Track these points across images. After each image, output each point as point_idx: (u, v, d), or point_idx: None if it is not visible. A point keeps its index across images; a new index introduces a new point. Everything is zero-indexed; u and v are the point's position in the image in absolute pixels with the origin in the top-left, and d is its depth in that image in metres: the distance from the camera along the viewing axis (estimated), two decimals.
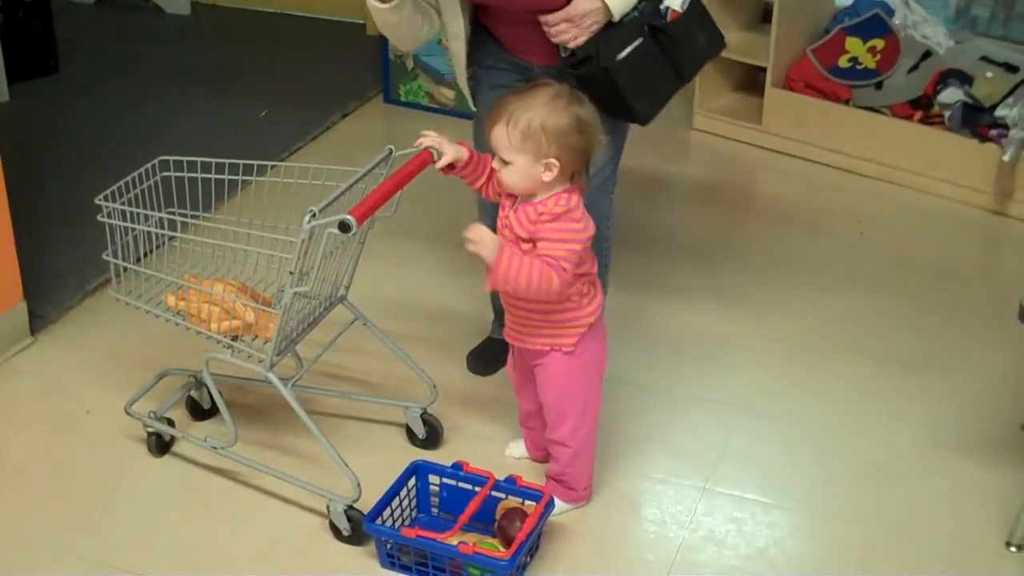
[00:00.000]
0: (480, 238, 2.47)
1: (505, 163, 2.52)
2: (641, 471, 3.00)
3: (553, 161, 2.48)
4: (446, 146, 2.63)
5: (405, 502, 2.76)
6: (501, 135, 2.50)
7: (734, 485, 2.96)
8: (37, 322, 3.47)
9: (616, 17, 2.69)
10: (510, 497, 2.72)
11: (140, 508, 2.87)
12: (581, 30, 2.68)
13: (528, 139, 2.47)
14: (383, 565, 2.68)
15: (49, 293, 3.57)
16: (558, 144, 2.47)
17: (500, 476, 2.75)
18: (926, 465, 3.04)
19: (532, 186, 2.52)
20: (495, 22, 2.85)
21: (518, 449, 3.00)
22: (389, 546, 2.65)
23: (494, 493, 2.71)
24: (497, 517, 2.70)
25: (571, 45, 2.71)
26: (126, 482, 2.94)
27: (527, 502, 2.69)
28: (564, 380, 2.71)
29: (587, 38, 2.69)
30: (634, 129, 4.65)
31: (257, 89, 4.97)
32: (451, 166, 2.64)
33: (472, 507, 2.62)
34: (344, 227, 2.46)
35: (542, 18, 2.70)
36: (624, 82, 2.71)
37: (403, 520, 2.75)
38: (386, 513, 2.69)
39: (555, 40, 2.72)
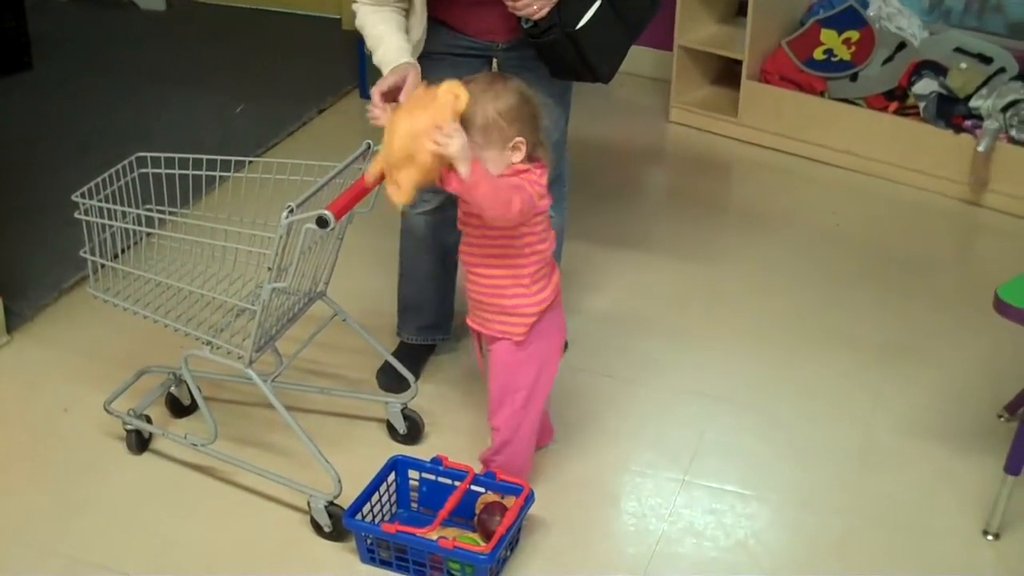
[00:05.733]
0: (454, 134, 2.38)
1: None
2: (620, 464, 3.02)
3: (519, 140, 2.52)
4: None
5: (385, 497, 2.76)
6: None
7: (712, 476, 2.97)
8: (13, 320, 3.45)
9: None
10: (489, 491, 2.72)
11: (119, 506, 2.86)
12: (545, 1, 2.75)
13: (490, 131, 2.50)
14: (363, 560, 2.68)
15: (25, 290, 3.56)
16: (518, 122, 2.52)
17: (479, 471, 2.76)
18: (903, 453, 3.06)
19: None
20: (451, 8, 2.88)
21: None
22: (369, 541, 2.66)
23: (473, 488, 2.71)
24: (477, 511, 2.70)
25: (536, 17, 2.76)
26: (105, 480, 2.94)
27: (507, 496, 2.70)
28: (509, 368, 2.72)
29: (550, 9, 2.75)
30: (610, 122, 4.71)
31: (233, 85, 4.96)
32: None
33: (452, 502, 2.62)
34: (322, 222, 2.46)
35: None
36: (589, 45, 2.81)
37: (383, 515, 2.75)
38: (366, 508, 2.69)
39: (520, 13, 2.77)
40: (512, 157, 2.53)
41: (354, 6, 2.83)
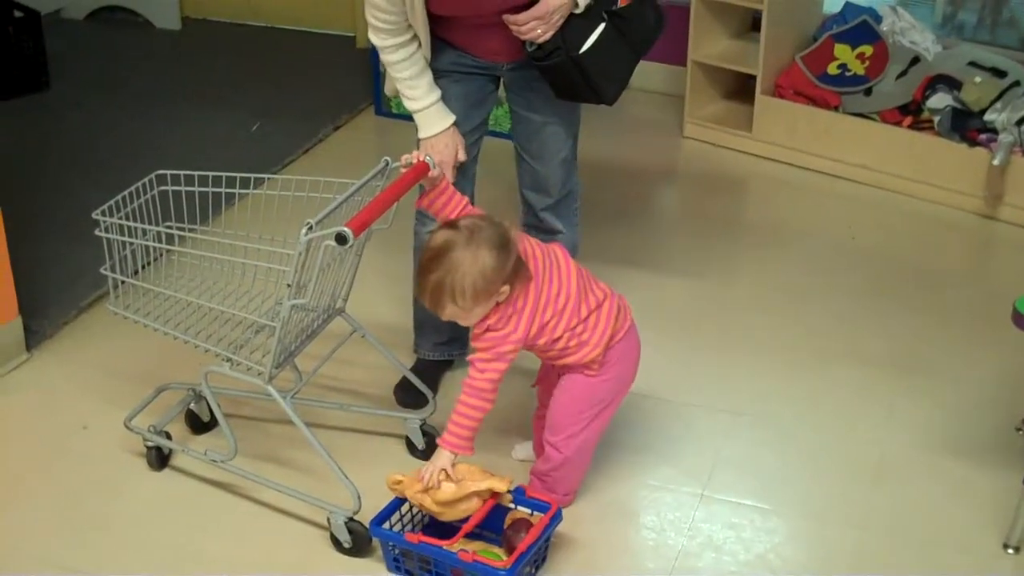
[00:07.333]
0: (433, 469, 2.61)
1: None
2: (639, 479, 3.02)
3: (504, 289, 2.55)
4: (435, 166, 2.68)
5: (416, 508, 2.75)
6: (456, 314, 2.56)
7: (731, 491, 2.97)
8: (33, 337, 3.47)
9: (581, 8, 2.77)
10: (519, 507, 2.72)
11: (139, 522, 2.87)
12: (549, 26, 2.76)
13: (480, 296, 2.53)
14: (389, 569, 2.69)
15: (44, 308, 3.57)
16: (502, 272, 2.53)
17: (528, 484, 2.79)
18: (920, 467, 3.05)
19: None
20: (456, 30, 2.88)
21: (523, 451, 3.02)
22: (395, 551, 2.66)
23: (502, 503, 2.71)
24: (505, 527, 2.70)
25: (540, 40, 2.77)
26: (125, 496, 2.95)
27: (535, 513, 2.70)
28: (579, 392, 2.75)
29: (554, 32, 2.76)
30: (624, 138, 4.72)
31: (248, 103, 4.98)
32: (424, 193, 2.69)
33: (477, 516, 2.62)
34: (341, 239, 2.47)
35: (509, 19, 2.76)
36: (593, 68, 2.81)
37: (412, 526, 2.75)
38: (395, 518, 2.69)
39: (524, 37, 2.78)
40: (498, 299, 2.56)
41: (373, 38, 2.85)
